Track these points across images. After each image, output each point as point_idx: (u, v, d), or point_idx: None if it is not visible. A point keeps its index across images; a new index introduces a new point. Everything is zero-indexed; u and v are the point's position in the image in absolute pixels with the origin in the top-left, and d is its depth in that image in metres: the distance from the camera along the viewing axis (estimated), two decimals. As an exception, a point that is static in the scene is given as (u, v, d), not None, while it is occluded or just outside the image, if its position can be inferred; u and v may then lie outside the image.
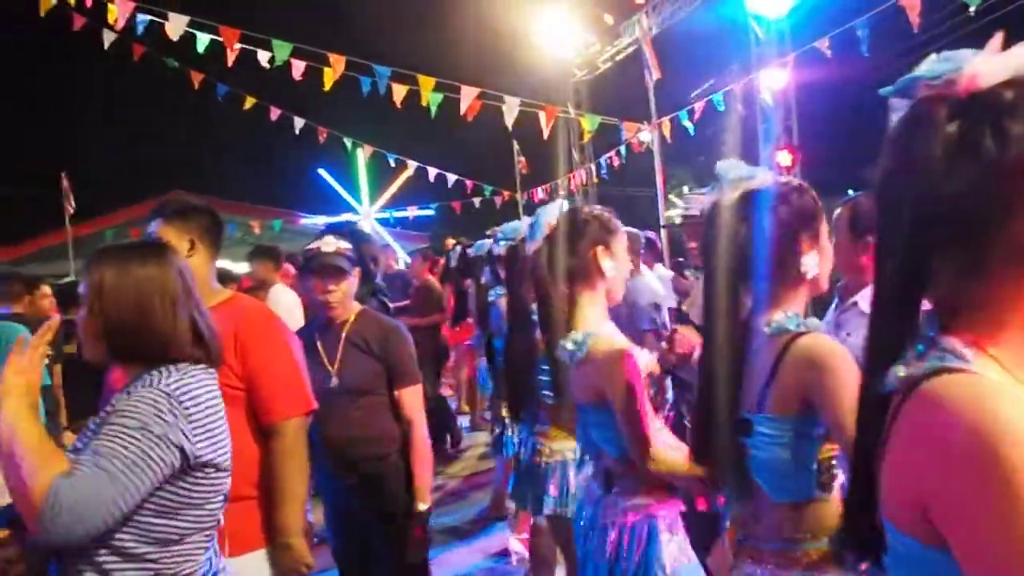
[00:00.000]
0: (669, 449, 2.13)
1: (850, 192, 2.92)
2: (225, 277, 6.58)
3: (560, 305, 2.39)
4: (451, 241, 6.02)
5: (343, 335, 2.91)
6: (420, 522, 2.85)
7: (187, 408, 1.69)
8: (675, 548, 2.22)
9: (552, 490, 2.99)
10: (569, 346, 2.25)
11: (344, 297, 2.88)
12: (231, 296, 2.58)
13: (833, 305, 2.96)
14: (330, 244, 2.85)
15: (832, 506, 1.67)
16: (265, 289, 6.29)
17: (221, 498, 1.80)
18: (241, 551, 2.30)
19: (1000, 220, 0.86)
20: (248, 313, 2.52)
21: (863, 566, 1.66)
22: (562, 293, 2.39)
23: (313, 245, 2.92)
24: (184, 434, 1.67)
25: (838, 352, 1.59)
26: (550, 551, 3.74)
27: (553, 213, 2.55)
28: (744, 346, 1.69)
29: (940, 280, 0.92)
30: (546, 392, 2.86)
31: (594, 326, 2.26)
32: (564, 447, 3.06)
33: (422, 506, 2.86)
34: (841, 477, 1.67)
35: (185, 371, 1.75)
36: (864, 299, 2.73)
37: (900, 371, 0.90)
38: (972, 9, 5.84)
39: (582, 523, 2.38)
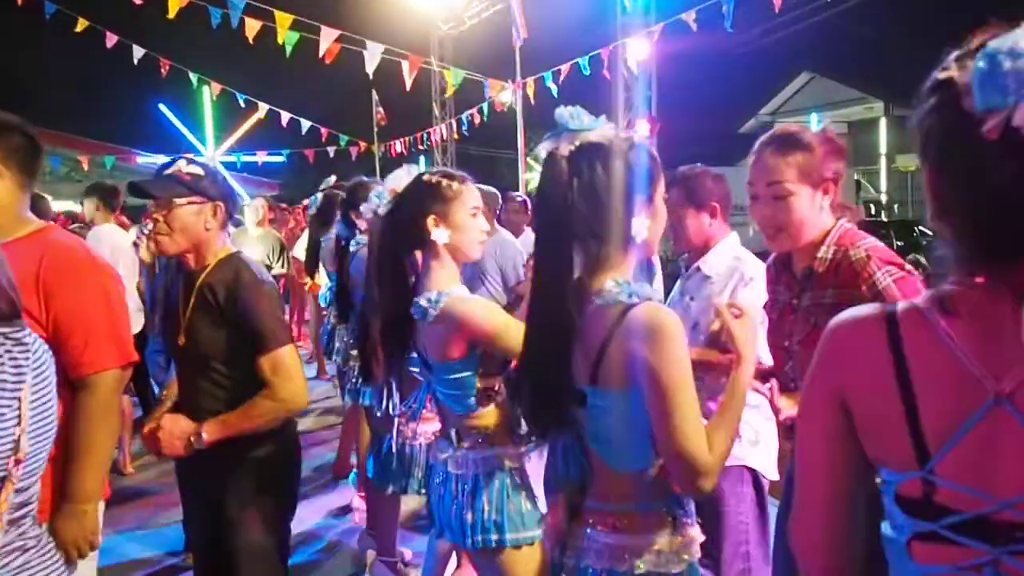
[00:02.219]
0: None
1: (699, 165, 2.97)
2: (42, 212, 5.97)
3: (391, 277, 2.36)
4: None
5: (196, 285, 2.43)
6: (186, 428, 2.36)
7: None
8: (526, 493, 2.27)
9: (417, 472, 3.03)
10: (423, 303, 2.23)
11: (175, 231, 2.39)
12: (40, 228, 2.23)
13: (683, 275, 3.03)
14: (173, 167, 2.43)
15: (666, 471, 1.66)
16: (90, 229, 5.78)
17: None
18: (45, 519, 2.02)
19: None
20: (56, 249, 2.18)
21: (694, 525, 1.71)
22: (401, 261, 2.37)
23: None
24: None
25: (669, 324, 1.55)
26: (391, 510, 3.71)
27: (400, 179, 2.52)
28: (575, 311, 1.62)
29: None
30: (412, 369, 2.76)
31: (445, 287, 2.26)
32: (428, 428, 3.06)
33: (205, 435, 2.34)
34: None
35: None
36: (705, 263, 2.85)
37: None
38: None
39: (435, 480, 2.38)
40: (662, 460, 1.60)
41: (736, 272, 2.76)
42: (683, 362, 1.53)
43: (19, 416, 1.55)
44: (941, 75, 0.96)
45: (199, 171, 2.44)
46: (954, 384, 0.95)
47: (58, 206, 14.17)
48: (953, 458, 0.96)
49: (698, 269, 2.87)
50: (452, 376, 2.26)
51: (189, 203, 2.40)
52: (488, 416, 2.28)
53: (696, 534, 1.71)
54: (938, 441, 0.97)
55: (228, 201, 2.51)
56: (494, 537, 2.21)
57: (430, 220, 2.28)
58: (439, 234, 2.28)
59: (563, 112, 1.66)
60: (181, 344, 2.44)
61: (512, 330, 2.14)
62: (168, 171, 2.44)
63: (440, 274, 2.30)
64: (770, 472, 2.80)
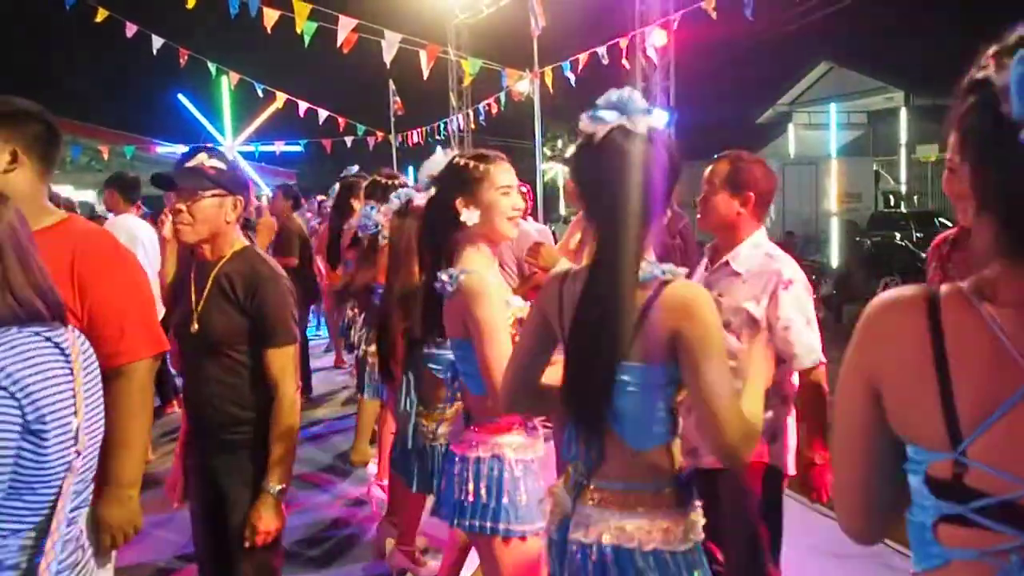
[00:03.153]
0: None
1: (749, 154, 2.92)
2: (64, 205, 5.97)
3: (431, 262, 2.40)
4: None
5: (212, 274, 2.49)
6: (267, 502, 2.44)
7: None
8: (525, 487, 2.27)
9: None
10: (444, 278, 2.26)
11: (197, 222, 2.46)
12: (65, 219, 2.24)
13: (702, 266, 2.95)
14: (196, 159, 2.48)
15: (676, 448, 1.72)
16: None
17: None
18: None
19: None
20: (86, 239, 2.20)
21: (698, 508, 1.74)
22: (439, 246, 2.40)
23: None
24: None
25: (704, 299, 1.63)
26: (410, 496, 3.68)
27: (436, 164, 2.54)
28: (627, 291, 1.64)
29: None
30: (432, 366, 2.81)
31: (471, 265, 2.28)
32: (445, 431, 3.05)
33: (273, 486, 2.45)
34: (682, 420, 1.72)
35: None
36: (735, 259, 2.74)
37: None
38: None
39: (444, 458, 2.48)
40: (699, 430, 1.62)
41: (772, 274, 2.65)
42: (720, 332, 1.60)
43: (75, 409, 1.59)
44: (979, 74, 0.96)
45: (222, 165, 2.50)
46: (994, 366, 0.96)
47: (78, 196, 14.30)
48: (986, 440, 0.96)
49: (727, 263, 2.76)
50: (465, 355, 2.27)
51: (212, 195, 2.46)
52: None
53: (699, 516, 1.74)
54: (972, 423, 0.97)
55: (246, 194, 2.57)
56: (488, 524, 2.23)
57: (459, 202, 2.28)
58: (468, 215, 2.28)
59: (624, 93, 1.68)
60: (193, 332, 2.49)
61: (497, 344, 2.12)
62: (191, 163, 2.48)
63: (472, 256, 2.30)
64: (789, 467, 2.78)
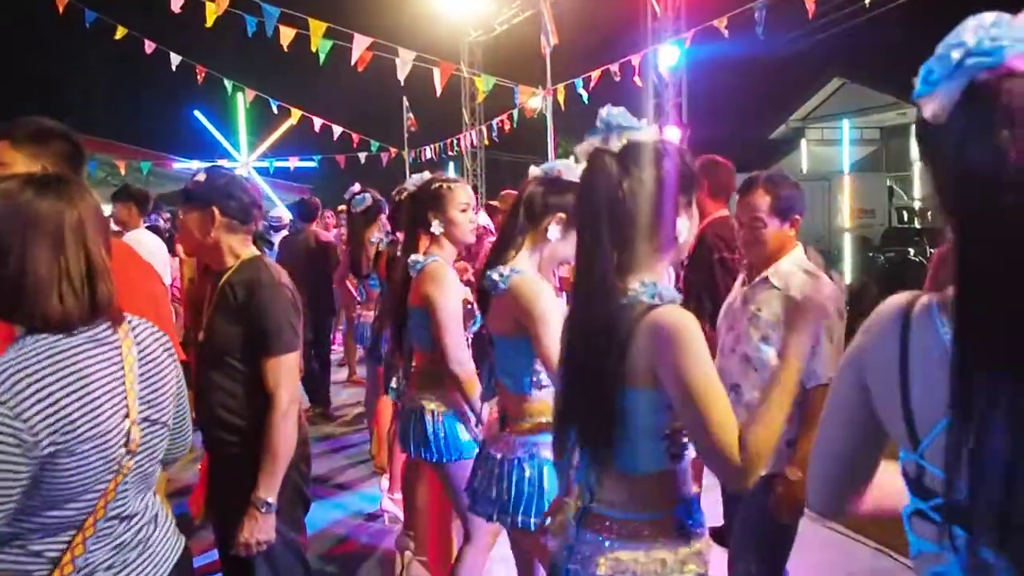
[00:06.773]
0: None
1: (782, 172, 2.99)
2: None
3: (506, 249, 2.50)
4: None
5: (220, 285, 2.52)
6: (250, 513, 2.40)
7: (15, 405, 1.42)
8: (555, 485, 2.28)
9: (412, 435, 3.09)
10: (495, 276, 2.34)
11: (183, 238, 2.60)
12: None
13: (739, 281, 3.03)
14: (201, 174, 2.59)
15: (679, 476, 1.67)
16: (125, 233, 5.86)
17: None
18: None
19: None
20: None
21: (703, 536, 1.69)
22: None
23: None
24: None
25: (690, 325, 1.54)
26: (424, 498, 3.73)
27: (570, 167, 2.56)
28: (616, 311, 1.60)
29: None
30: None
31: (521, 265, 2.39)
32: (418, 396, 3.13)
33: (257, 496, 2.39)
34: (692, 448, 1.65)
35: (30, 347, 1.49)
36: (775, 275, 2.78)
37: None
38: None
39: (479, 457, 2.54)
40: (699, 457, 1.58)
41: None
42: (706, 361, 1.53)
43: (127, 408, 1.58)
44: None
45: (201, 178, 2.54)
46: (941, 380, 1.01)
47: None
48: (936, 446, 1.03)
49: (766, 279, 2.80)
50: (507, 353, 2.37)
51: (190, 210, 2.54)
52: (540, 404, 2.35)
53: (704, 545, 1.69)
54: (925, 429, 1.04)
55: (225, 202, 2.52)
56: (532, 520, 2.30)
57: (556, 217, 2.42)
58: (552, 231, 2.42)
59: (610, 111, 1.66)
60: (200, 340, 2.55)
61: (553, 335, 2.12)
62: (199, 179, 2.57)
63: (526, 257, 2.44)
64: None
